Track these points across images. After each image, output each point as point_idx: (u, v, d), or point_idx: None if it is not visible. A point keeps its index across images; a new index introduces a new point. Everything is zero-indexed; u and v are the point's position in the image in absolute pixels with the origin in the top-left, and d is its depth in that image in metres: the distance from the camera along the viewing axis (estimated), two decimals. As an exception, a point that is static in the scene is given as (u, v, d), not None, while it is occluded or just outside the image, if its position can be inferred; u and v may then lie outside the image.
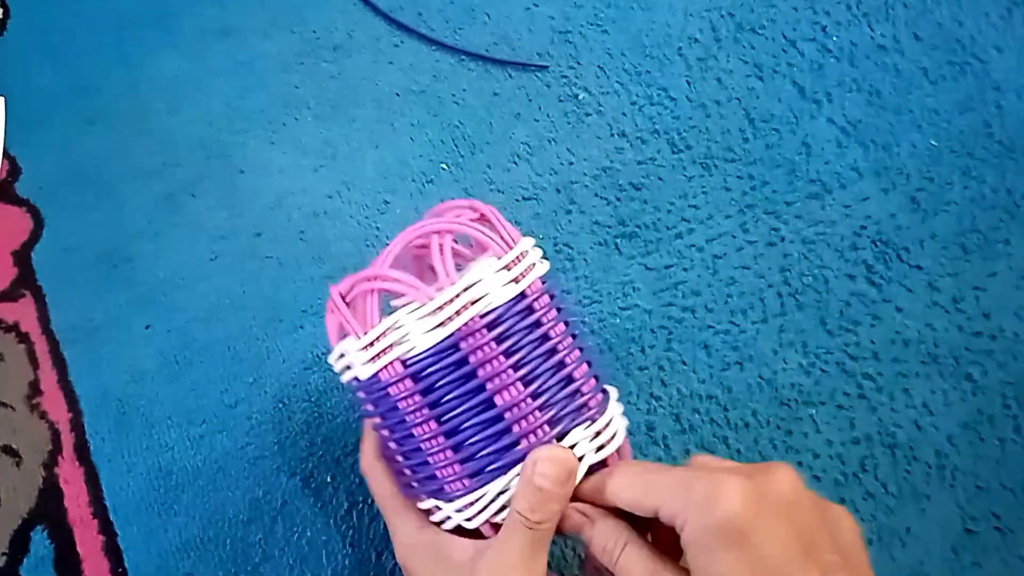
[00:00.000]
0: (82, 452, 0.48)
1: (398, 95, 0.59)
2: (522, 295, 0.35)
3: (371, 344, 0.35)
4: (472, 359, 0.34)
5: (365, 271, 0.36)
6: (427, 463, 0.35)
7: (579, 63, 0.59)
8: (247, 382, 0.50)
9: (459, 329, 0.33)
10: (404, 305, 0.35)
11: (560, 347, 0.35)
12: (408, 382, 0.34)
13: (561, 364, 0.35)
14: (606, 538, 0.33)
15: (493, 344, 0.34)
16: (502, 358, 0.34)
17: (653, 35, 0.60)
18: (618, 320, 0.51)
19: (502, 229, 0.37)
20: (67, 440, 0.49)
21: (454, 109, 0.58)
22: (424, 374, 0.34)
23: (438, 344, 0.34)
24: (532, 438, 0.34)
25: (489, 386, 0.34)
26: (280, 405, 0.49)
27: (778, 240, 0.52)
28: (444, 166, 0.56)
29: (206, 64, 0.61)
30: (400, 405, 0.35)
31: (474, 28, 0.61)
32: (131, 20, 0.63)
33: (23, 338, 0.52)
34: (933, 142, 0.54)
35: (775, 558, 0.29)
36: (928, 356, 0.48)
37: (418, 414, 0.35)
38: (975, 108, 0.55)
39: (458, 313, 0.34)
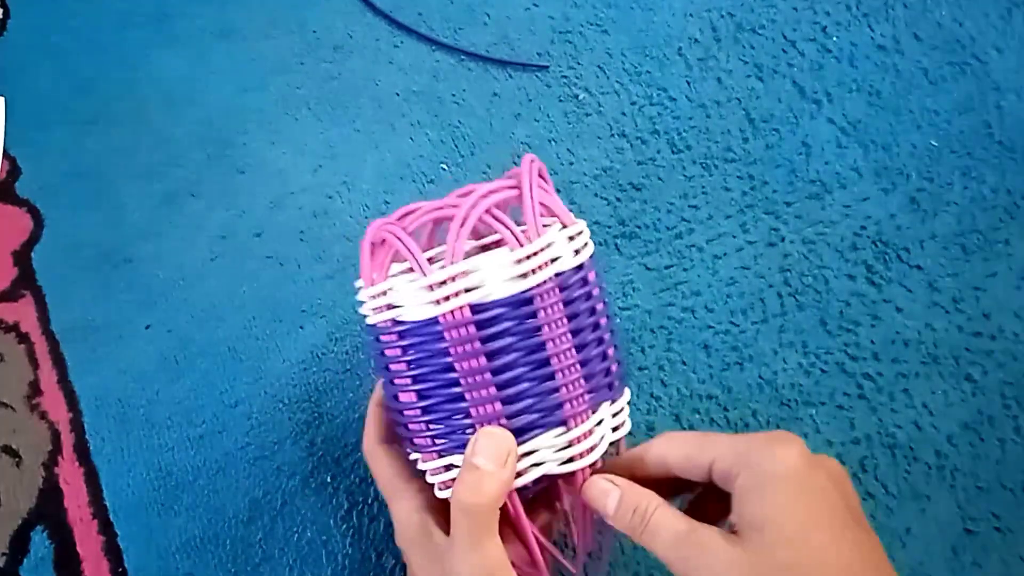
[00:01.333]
0: (82, 452, 0.48)
1: (398, 95, 0.59)
2: (582, 266, 0.36)
3: (441, 284, 0.34)
4: (541, 316, 0.34)
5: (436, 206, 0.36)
6: (463, 415, 0.34)
7: (579, 63, 0.59)
8: (247, 382, 0.50)
9: (536, 285, 0.34)
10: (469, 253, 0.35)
11: (602, 323, 0.36)
12: (471, 329, 0.34)
13: (601, 339, 0.36)
14: (636, 501, 0.33)
15: (561, 305, 0.34)
16: (565, 320, 0.34)
17: (653, 35, 0.60)
18: (618, 320, 0.51)
19: (564, 205, 0.37)
20: (67, 440, 0.49)
21: (454, 109, 0.58)
22: (493, 323, 0.34)
23: (515, 295, 0.34)
24: (574, 404, 0.34)
25: (549, 346, 0.34)
26: (280, 405, 0.49)
27: (778, 240, 0.52)
28: (444, 166, 0.56)
29: (206, 64, 0.61)
30: (453, 351, 0.34)
31: (474, 28, 0.61)
32: (131, 20, 0.63)
33: (23, 338, 0.52)
34: (933, 142, 0.54)
35: (828, 507, 0.30)
36: (928, 356, 0.48)
37: (472, 362, 0.34)
38: (975, 108, 0.55)
39: (537, 269, 0.34)
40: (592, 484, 0.35)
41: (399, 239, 0.35)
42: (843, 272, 0.51)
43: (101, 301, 0.53)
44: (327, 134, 0.58)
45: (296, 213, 0.55)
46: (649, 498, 0.33)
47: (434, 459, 0.36)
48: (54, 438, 0.49)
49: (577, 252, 0.36)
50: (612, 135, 0.56)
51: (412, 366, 0.35)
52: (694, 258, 0.52)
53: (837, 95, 0.56)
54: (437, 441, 0.35)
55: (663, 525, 0.32)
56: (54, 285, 0.53)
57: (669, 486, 0.35)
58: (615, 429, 0.36)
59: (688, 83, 0.58)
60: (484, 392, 0.34)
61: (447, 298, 0.34)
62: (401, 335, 0.35)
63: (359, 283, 0.37)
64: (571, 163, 0.56)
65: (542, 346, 0.34)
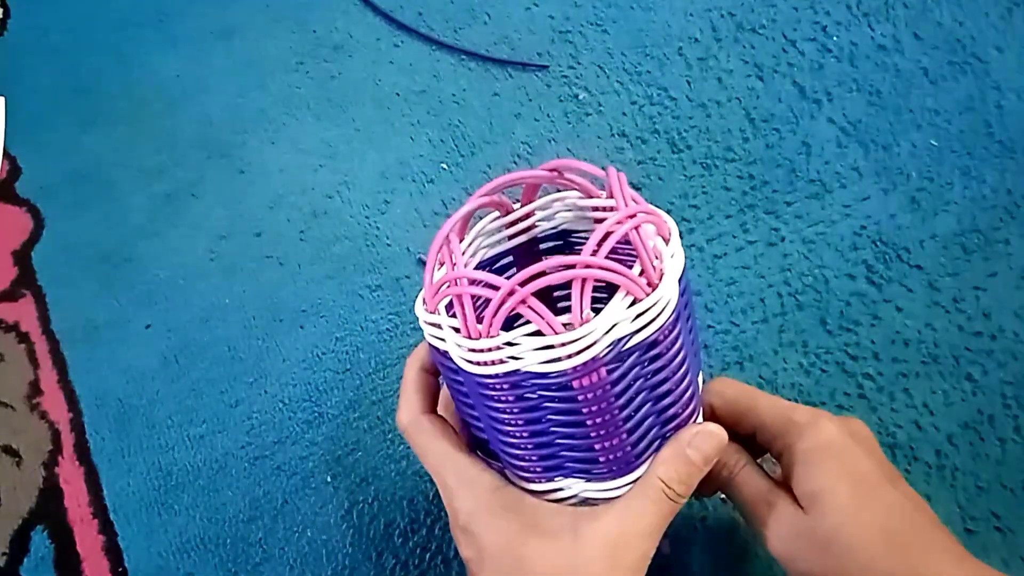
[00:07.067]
0: (82, 452, 0.48)
1: (398, 95, 0.59)
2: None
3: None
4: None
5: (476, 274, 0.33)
6: (587, 450, 0.33)
7: (579, 63, 0.59)
8: (247, 382, 0.50)
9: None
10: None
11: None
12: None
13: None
14: (727, 457, 0.37)
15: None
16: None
17: (653, 35, 0.60)
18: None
19: (647, 255, 0.32)
20: (67, 440, 0.49)
21: (454, 109, 0.58)
22: (622, 371, 0.32)
23: (643, 341, 0.32)
24: (684, 411, 0.35)
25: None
26: (280, 405, 0.49)
27: (778, 240, 0.52)
28: (444, 166, 0.56)
29: (206, 64, 0.61)
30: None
31: (474, 28, 0.61)
32: (131, 20, 0.63)
33: (23, 338, 0.52)
34: (933, 142, 0.54)
35: (869, 474, 0.34)
36: (928, 356, 0.48)
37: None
38: (975, 108, 0.55)
39: (580, 352, 0.31)
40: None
41: (531, 307, 0.31)
42: (843, 272, 0.51)
43: (101, 301, 0.53)
44: (327, 134, 0.58)
45: (296, 213, 0.55)
46: (739, 455, 0.38)
47: (540, 483, 0.35)
48: (54, 438, 0.49)
49: (680, 279, 0.34)
50: (612, 135, 0.56)
51: (526, 411, 0.33)
52: (694, 258, 0.52)
53: (837, 95, 0.56)
54: (550, 471, 0.34)
55: (747, 482, 0.37)
56: (54, 285, 0.53)
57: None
58: None
59: (688, 83, 0.58)
60: (614, 432, 0.33)
61: (579, 352, 0.31)
62: (516, 385, 0.33)
63: (440, 320, 0.33)
64: (571, 163, 0.56)
65: (664, 381, 0.33)
